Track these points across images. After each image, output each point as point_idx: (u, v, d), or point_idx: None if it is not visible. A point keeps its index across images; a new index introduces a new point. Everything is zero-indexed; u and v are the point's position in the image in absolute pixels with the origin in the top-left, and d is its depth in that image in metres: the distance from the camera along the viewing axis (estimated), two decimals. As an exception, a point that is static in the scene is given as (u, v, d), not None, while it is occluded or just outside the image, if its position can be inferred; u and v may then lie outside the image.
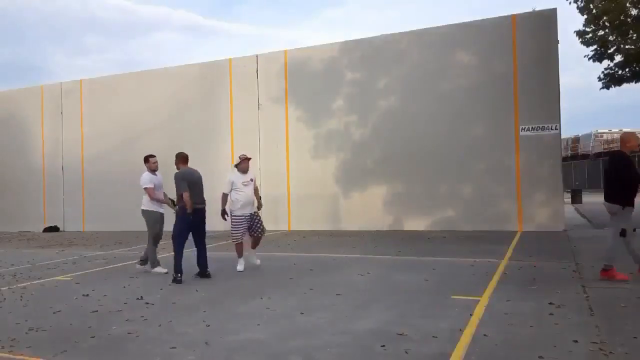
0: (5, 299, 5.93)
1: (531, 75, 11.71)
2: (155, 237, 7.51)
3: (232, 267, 7.79)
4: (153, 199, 7.40)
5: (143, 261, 7.66)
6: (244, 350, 3.77)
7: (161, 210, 7.56)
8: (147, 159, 7.71)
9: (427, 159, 12.63)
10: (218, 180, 14.78)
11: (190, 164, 7.29)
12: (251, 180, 7.35)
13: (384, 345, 3.75)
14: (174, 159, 7.18)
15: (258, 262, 7.48)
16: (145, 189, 7.42)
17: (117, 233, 14.65)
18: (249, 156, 7.48)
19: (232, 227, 7.31)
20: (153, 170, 7.58)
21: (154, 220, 7.47)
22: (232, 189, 7.30)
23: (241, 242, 7.34)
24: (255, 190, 7.42)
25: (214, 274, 6.98)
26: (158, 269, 7.42)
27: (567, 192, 21.47)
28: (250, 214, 7.29)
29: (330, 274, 6.88)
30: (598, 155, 42.30)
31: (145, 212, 7.50)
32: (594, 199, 23.90)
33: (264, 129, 14.31)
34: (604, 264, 5.84)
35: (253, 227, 7.32)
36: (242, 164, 7.35)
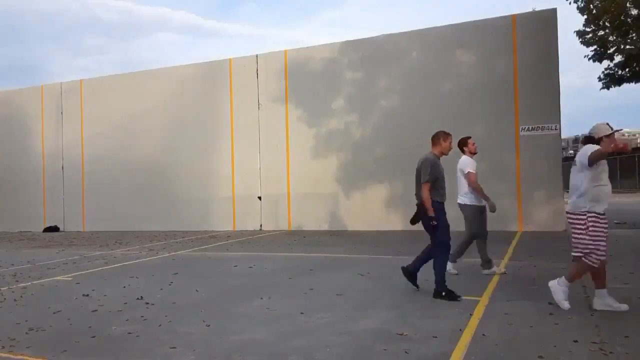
0: (5, 299, 5.93)
1: (531, 75, 11.71)
2: (474, 235, 6.40)
3: (229, 266, 7.78)
4: (474, 187, 6.28)
5: (487, 262, 6.45)
6: (244, 350, 3.77)
7: (482, 204, 6.44)
8: (464, 142, 6.51)
9: (427, 159, 12.61)
10: (218, 180, 14.96)
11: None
12: None
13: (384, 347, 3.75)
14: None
15: (625, 307, 4.49)
16: (467, 174, 6.29)
17: (117, 233, 14.66)
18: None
19: (592, 235, 4.40)
20: (472, 154, 6.49)
21: (474, 215, 6.37)
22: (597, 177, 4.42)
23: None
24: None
25: (212, 274, 6.97)
26: (494, 269, 6.42)
27: (567, 192, 21.44)
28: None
29: (330, 274, 6.88)
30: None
31: (463, 207, 6.40)
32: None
33: (264, 129, 14.31)
34: None
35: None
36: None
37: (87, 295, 5.94)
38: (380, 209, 13.02)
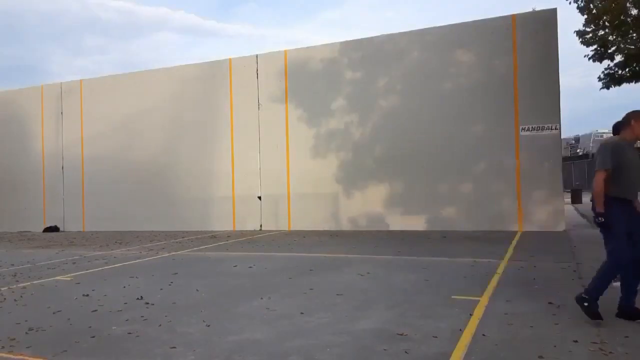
0: (5, 299, 5.93)
1: (531, 75, 11.71)
2: None
3: (229, 266, 7.79)
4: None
5: None
6: (244, 350, 3.77)
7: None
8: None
9: (427, 159, 12.63)
10: (218, 180, 14.96)
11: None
12: None
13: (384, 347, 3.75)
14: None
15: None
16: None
17: (117, 233, 14.65)
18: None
19: None
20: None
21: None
22: None
23: None
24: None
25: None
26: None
27: (567, 192, 21.46)
28: None
29: (330, 274, 6.88)
30: (598, 155, 42.34)
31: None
32: (594, 199, 23.92)
33: (264, 129, 14.31)
34: None
35: None
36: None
37: (87, 295, 5.94)
38: (380, 209, 13.02)
